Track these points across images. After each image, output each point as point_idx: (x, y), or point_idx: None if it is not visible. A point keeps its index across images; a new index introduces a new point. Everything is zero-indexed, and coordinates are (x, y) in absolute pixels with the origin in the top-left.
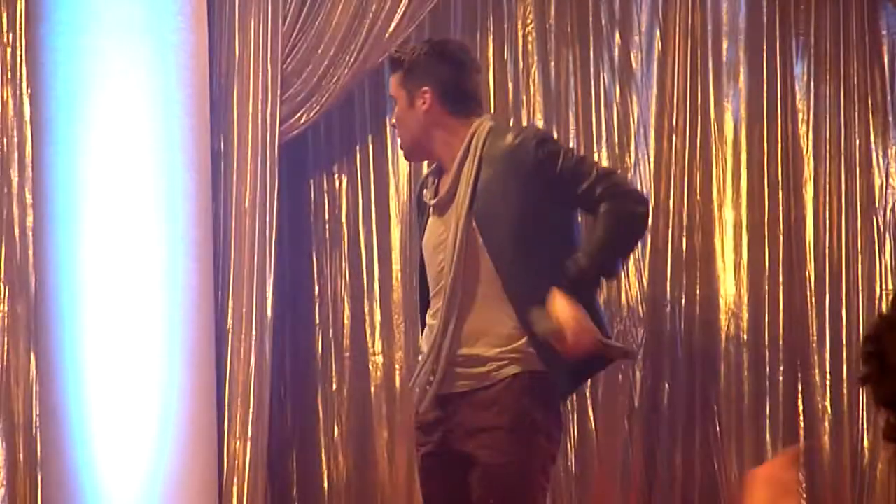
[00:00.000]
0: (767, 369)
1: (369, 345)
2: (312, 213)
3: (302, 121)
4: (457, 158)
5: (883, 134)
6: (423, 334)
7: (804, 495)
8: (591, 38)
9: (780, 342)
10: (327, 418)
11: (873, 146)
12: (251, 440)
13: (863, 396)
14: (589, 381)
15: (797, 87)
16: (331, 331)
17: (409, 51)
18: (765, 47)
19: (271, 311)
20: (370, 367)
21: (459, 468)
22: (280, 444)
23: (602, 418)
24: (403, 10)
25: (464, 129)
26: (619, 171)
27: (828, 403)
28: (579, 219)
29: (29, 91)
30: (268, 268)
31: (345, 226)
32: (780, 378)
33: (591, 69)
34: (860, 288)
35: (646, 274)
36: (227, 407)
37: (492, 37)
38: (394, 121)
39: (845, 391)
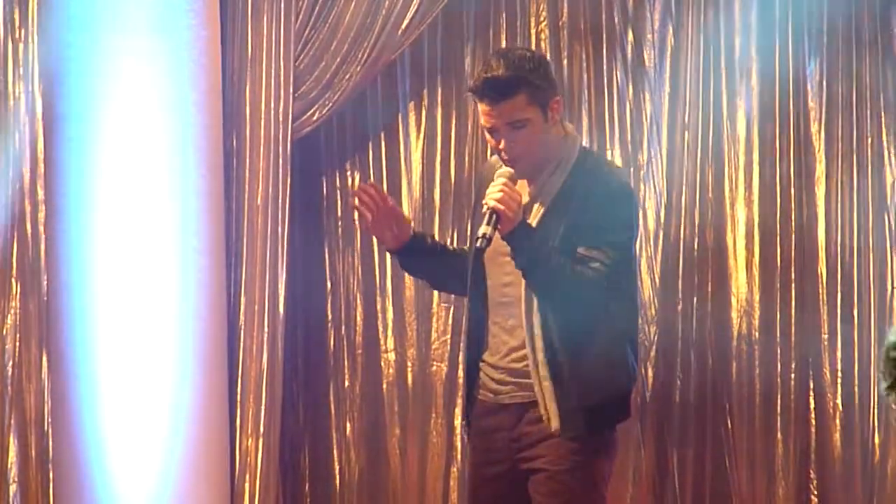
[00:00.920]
0: (779, 367)
1: (382, 342)
2: (325, 210)
3: (315, 118)
4: (545, 170)
5: (895, 132)
6: (486, 339)
7: (814, 492)
8: (605, 36)
9: (792, 340)
10: (339, 415)
11: (885, 144)
12: (263, 437)
13: (873, 394)
14: None
15: (809, 86)
16: (343, 328)
17: (523, 65)
18: (777, 46)
19: (283, 309)
20: (382, 364)
21: (517, 477)
22: (292, 441)
23: None
24: (416, 6)
25: (558, 138)
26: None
27: (839, 401)
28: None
29: (41, 87)
30: (280, 265)
31: (357, 223)
32: (792, 375)
33: (605, 67)
34: (872, 286)
35: (658, 271)
36: (239, 404)
37: (504, 34)
38: (502, 147)
39: (856, 389)
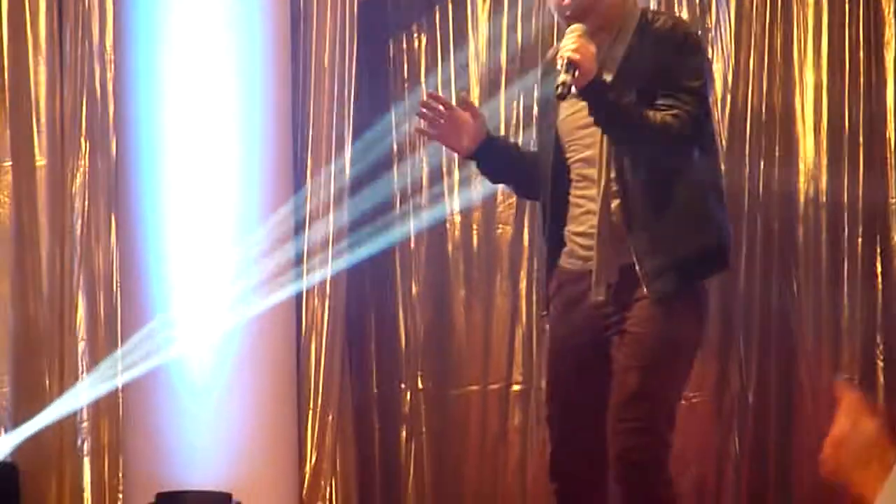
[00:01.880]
0: (846, 231)
1: (447, 203)
2: (392, 73)
3: None
4: (607, 37)
5: None
6: (567, 212)
7: (881, 357)
8: None
9: (860, 204)
10: (405, 276)
11: None
12: (330, 298)
13: None
14: None
15: None
16: (409, 190)
17: None
18: None
19: (349, 170)
20: (447, 225)
21: (601, 345)
22: (358, 301)
23: None
24: None
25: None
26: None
27: None
28: None
29: None
30: (346, 127)
31: (424, 87)
32: (859, 240)
33: None
34: None
35: (725, 136)
36: (305, 262)
37: None
38: (567, 2)
39: None
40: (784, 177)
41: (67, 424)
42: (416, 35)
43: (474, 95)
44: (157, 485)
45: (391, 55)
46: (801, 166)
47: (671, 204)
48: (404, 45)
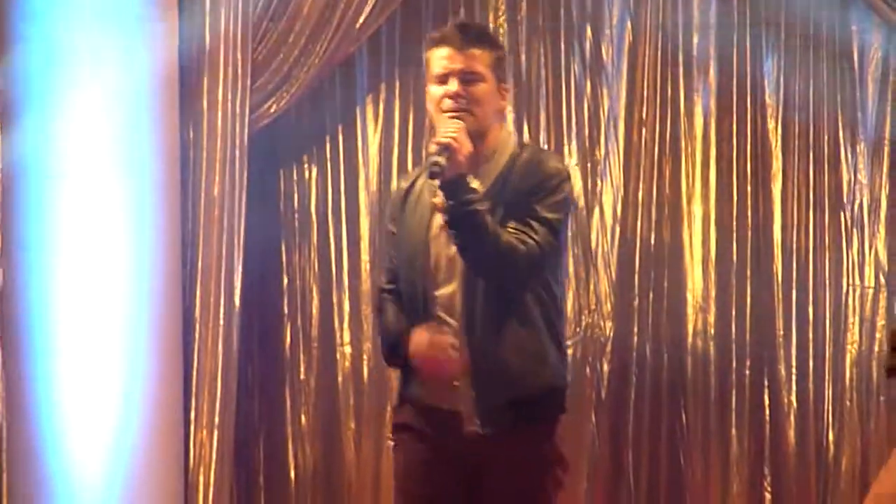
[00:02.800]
0: (734, 363)
1: (337, 335)
2: (282, 203)
3: (272, 110)
4: (480, 157)
5: (852, 129)
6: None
7: (768, 489)
8: (563, 31)
9: (747, 336)
10: (295, 408)
11: (842, 141)
12: (218, 429)
13: (829, 391)
14: None
15: (767, 83)
16: (299, 321)
17: (489, 31)
18: (735, 42)
19: (239, 301)
20: (338, 357)
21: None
22: (247, 434)
23: (569, 410)
24: (374, 0)
25: (498, 127)
26: (545, 249)
27: (794, 398)
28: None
29: None
30: (236, 258)
31: (314, 216)
32: (747, 372)
33: (563, 62)
34: (827, 283)
35: (614, 267)
36: (194, 397)
37: None
38: (460, 92)
39: (811, 386)
40: (672, 309)
41: None
42: (306, 165)
43: (364, 225)
44: None
45: (281, 185)
46: (690, 298)
47: (511, 340)
48: (294, 176)
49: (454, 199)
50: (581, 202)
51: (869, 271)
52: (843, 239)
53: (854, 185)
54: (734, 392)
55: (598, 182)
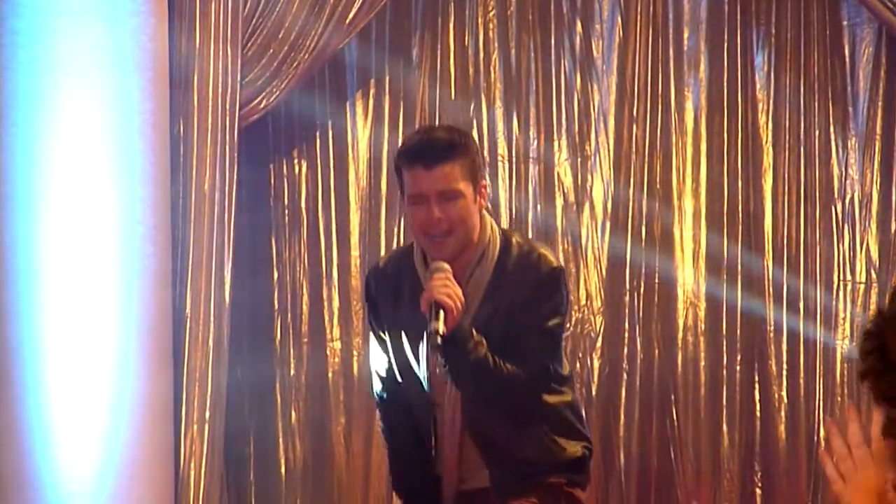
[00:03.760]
0: (725, 358)
1: (327, 331)
2: (272, 198)
3: (262, 105)
4: (470, 261)
5: (843, 124)
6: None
7: (759, 484)
8: (553, 26)
9: (738, 332)
10: (285, 404)
11: (833, 137)
12: (208, 425)
13: (819, 386)
14: None
15: (757, 78)
16: (289, 316)
17: (457, 134)
18: (725, 37)
19: (229, 297)
20: (328, 352)
21: None
22: (237, 430)
23: None
24: None
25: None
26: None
27: (784, 393)
28: None
29: None
30: (226, 253)
31: (304, 211)
32: (738, 367)
33: (552, 57)
34: (818, 278)
35: (604, 262)
36: (184, 392)
37: (453, 23)
38: (440, 216)
39: (801, 381)
40: (663, 304)
41: None
42: (296, 160)
43: (354, 220)
44: None
45: (271, 180)
46: (680, 294)
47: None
48: (284, 171)
49: (455, 355)
50: (571, 197)
51: (860, 266)
52: (833, 234)
53: (845, 180)
54: (725, 387)
55: (589, 177)
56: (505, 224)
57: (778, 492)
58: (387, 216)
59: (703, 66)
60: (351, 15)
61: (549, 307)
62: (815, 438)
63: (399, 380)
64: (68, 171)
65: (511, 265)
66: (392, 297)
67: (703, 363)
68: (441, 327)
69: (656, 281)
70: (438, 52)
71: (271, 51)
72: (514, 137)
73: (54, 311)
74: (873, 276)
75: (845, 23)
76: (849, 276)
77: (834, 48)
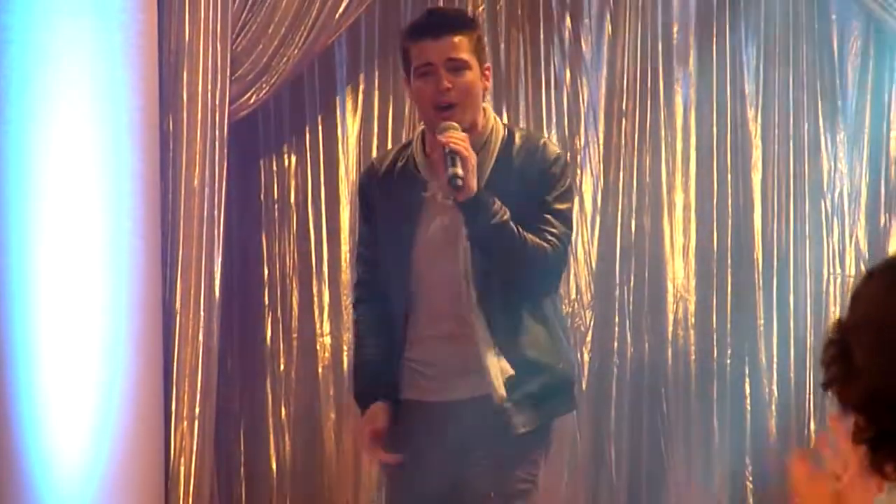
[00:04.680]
0: (715, 353)
1: (318, 326)
2: (262, 193)
3: (252, 101)
4: (478, 144)
5: (832, 119)
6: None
7: (749, 479)
8: (542, 21)
9: (728, 326)
10: (275, 399)
11: (822, 131)
12: (198, 421)
13: (810, 381)
14: None
15: (746, 72)
16: (279, 311)
17: (465, 13)
18: (714, 31)
19: (219, 293)
20: (318, 348)
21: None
22: (227, 425)
23: None
24: None
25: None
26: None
27: (775, 387)
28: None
29: None
30: (216, 249)
31: (294, 207)
32: (728, 361)
33: (542, 52)
34: (808, 272)
35: (594, 256)
36: (174, 388)
37: None
38: (448, 86)
39: (792, 375)
40: (653, 298)
41: None
42: (286, 155)
43: (344, 215)
44: None
45: (261, 176)
46: (670, 287)
47: (528, 337)
48: (274, 166)
49: (477, 219)
50: None
51: (850, 260)
52: (823, 227)
53: (834, 173)
54: (715, 382)
55: (578, 172)
56: None
57: (769, 486)
58: None
59: (692, 61)
60: (340, 10)
61: (559, 191)
62: (806, 432)
63: (384, 269)
64: (57, 166)
65: (515, 153)
66: (386, 192)
67: (693, 357)
68: (459, 171)
69: (646, 275)
70: None
71: (261, 46)
72: None
73: (42, 307)
74: (863, 268)
75: (834, 17)
76: (838, 270)
77: (822, 42)
